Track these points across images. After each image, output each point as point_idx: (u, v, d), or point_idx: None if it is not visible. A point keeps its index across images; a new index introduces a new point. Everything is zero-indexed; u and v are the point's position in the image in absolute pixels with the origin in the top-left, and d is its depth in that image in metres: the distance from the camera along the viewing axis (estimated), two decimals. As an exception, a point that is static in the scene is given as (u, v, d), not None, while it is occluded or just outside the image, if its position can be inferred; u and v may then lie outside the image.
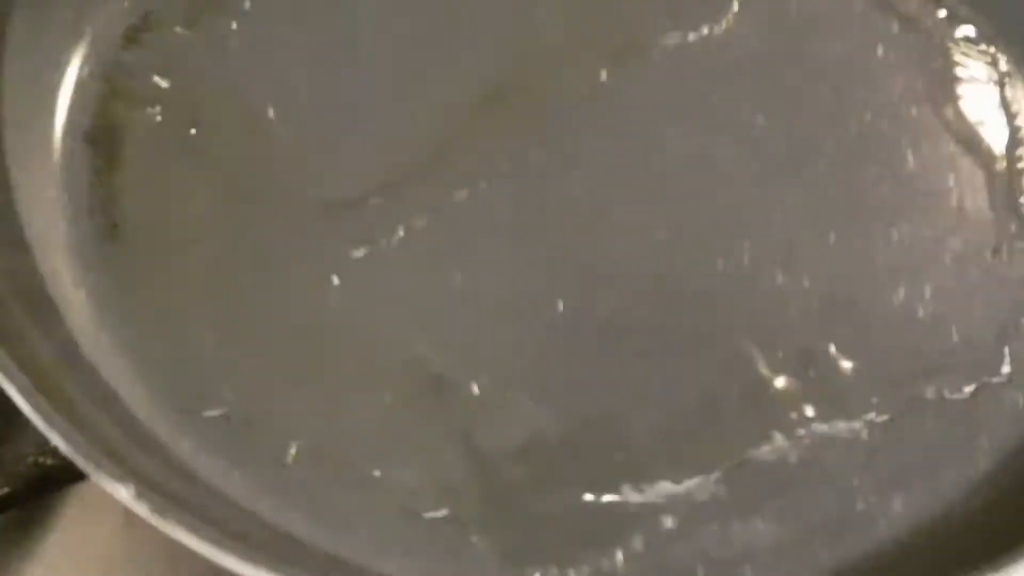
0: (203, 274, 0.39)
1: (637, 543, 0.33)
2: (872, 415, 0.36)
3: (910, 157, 0.41)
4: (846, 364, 0.37)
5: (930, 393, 0.37)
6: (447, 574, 0.33)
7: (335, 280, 0.38)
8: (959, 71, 0.43)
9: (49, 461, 0.39)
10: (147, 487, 0.30)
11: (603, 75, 0.42)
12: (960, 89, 0.43)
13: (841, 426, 0.36)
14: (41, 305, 0.37)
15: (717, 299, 0.38)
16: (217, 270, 0.40)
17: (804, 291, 0.38)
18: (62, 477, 0.39)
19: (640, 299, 0.38)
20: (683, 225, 0.40)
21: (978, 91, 0.43)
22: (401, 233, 0.39)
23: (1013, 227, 0.40)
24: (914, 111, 0.42)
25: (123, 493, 0.30)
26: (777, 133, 0.41)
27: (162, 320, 0.38)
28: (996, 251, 0.39)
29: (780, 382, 0.36)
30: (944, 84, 0.43)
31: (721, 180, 0.41)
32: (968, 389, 0.36)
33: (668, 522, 0.34)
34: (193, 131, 0.41)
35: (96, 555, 0.41)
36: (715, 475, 0.35)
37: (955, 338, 0.37)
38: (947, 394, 0.36)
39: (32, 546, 0.41)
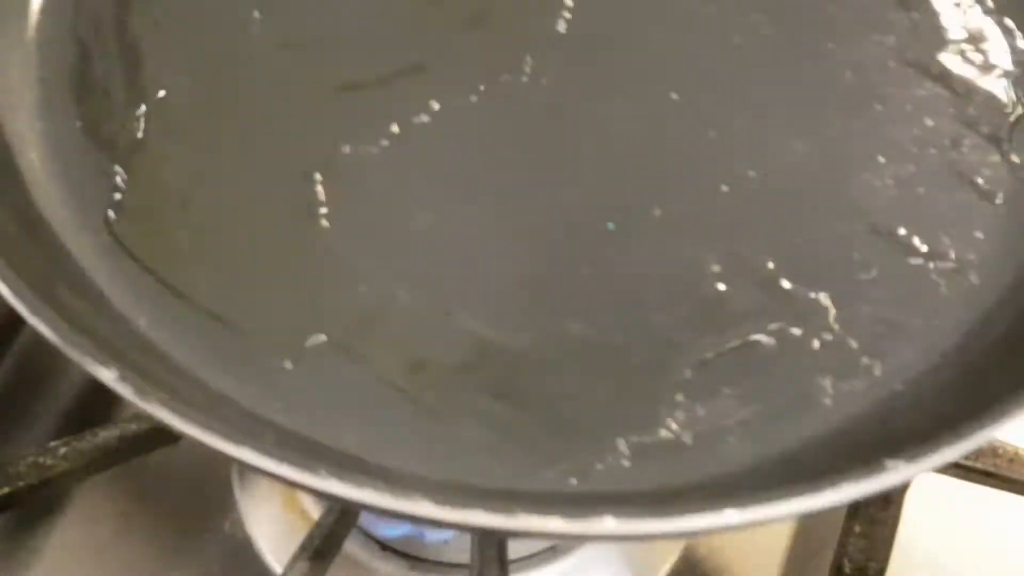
0: (183, 156, 0.38)
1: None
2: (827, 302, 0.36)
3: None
4: (808, 256, 0.37)
5: (884, 278, 0.37)
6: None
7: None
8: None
9: (49, 461, 0.39)
10: (129, 370, 0.30)
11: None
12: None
13: (803, 310, 0.36)
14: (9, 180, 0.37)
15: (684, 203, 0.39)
16: (199, 153, 0.39)
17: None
18: (62, 477, 0.39)
19: (609, 192, 0.39)
20: (658, 125, 0.40)
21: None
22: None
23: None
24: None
25: (106, 375, 0.29)
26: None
27: (139, 208, 0.37)
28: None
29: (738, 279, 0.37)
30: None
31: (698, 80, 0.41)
32: (924, 273, 0.37)
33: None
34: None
35: (95, 555, 0.41)
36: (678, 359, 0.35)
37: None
38: (892, 282, 0.37)
39: (32, 546, 0.41)
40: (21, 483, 0.39)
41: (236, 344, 0.35)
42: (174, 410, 0.29)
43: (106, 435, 0.41)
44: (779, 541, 0.45)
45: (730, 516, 0.28)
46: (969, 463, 0.42)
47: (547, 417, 0.34)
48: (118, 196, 0.38)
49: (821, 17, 0.43)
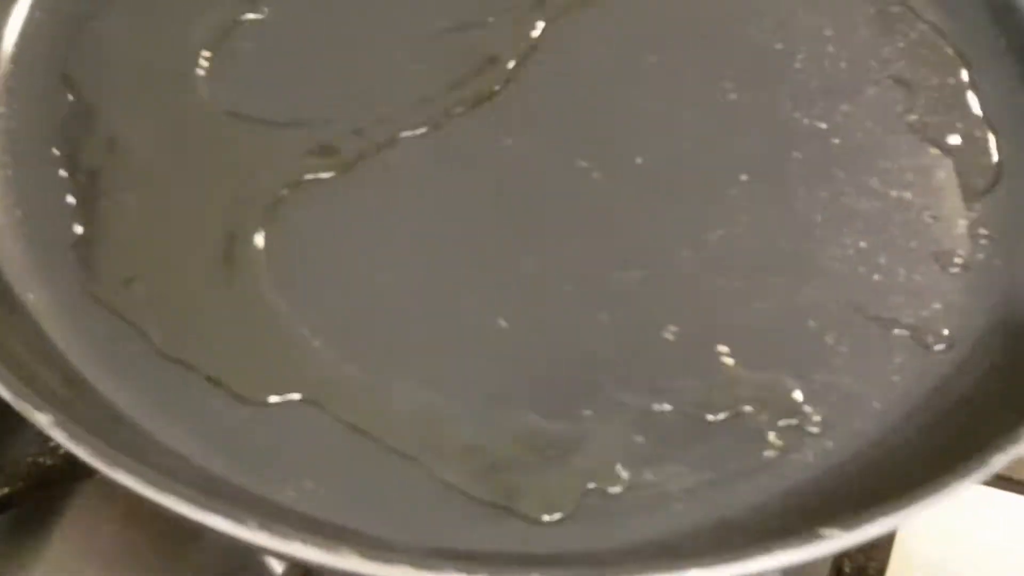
0: (140, 210, 0.39)
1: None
2: (782, 371, 0.37)
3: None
4: (765, 323, 0.38)
5: (841, 346, 0.37)
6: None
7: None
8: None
9: (49, 461, 0.39)
10: (66, 416, 0.30)
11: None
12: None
13: (758, 377, 0.36)
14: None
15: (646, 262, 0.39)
16: (157, 208, 0.40)
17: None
18: (62, 477, 0.39)
19: (570, 254, 0.39)
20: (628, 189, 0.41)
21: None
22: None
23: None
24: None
25: (41, 420, 0.30)
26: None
27: (92, 258, 0.38)
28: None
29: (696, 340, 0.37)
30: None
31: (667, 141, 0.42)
32: (882, 343, 0.38)
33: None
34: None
35: (95, 555, 0.41)
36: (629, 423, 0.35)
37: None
38: (848, 350, 0.37)
39: (32, 546, 0.41)
40: (21, 483, 0.39)
41: (186, 394, 0.35)
42: (104, 456, 0.30)
43: (106, 435, 0.41)
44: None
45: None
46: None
47: (493, 473, 0.34)
48: (76, 241, 0.39)
49: (789, 84, 0.43)
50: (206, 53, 0.43)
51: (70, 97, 0.42)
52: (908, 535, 0.42)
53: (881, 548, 0.41)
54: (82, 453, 0.30)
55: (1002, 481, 0.42)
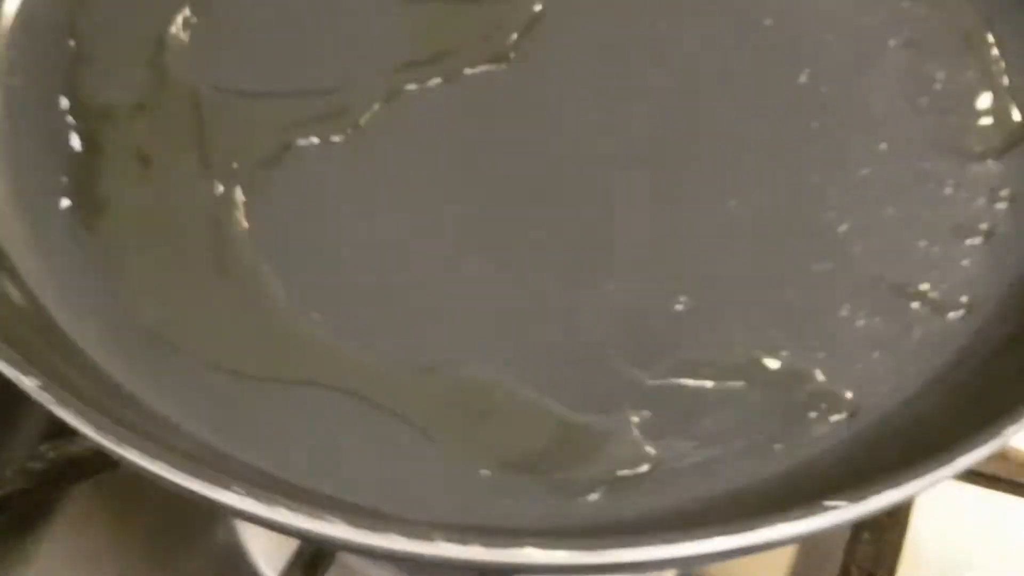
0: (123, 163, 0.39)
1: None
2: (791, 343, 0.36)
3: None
4: (780, 293, 0.37)
5: (859, 319, 0.37)
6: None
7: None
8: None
9: (39, 466, 0.39)
10: (51, 380, 0.30)
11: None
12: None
13: (773, 350, 0.36)
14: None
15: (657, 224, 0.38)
16: (156, 191, 0.39)
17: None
18: (51, 481, 0.39)
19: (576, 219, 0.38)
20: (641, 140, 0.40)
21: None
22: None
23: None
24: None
25: (27, 384, 0.30)
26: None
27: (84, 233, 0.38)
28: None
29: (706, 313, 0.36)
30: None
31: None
32: (898, 313, 0.37)
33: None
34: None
35: (85, 559, 0.41)
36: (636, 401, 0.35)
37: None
38: (866, 322, 0.37)
39: (22, 550, 0.41)
40: (10, 488, 0.39)
41: (172, 363, 0.35)
42: (91, 421, 0.29)
43: (97, 439, 0.40)
44: (785, 547, 0.44)
45: (664, 550, 0.28)
46: (978, 468, 0.42)
47: (491, 439, 0.34)
48: (65, 202, 0.38)
49: (807, 53, 0.43)
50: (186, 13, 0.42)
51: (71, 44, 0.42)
52: (917, 541, 0.41)
53: (889, 555, 0.41)
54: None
55: (1011, 486, 0.42)
